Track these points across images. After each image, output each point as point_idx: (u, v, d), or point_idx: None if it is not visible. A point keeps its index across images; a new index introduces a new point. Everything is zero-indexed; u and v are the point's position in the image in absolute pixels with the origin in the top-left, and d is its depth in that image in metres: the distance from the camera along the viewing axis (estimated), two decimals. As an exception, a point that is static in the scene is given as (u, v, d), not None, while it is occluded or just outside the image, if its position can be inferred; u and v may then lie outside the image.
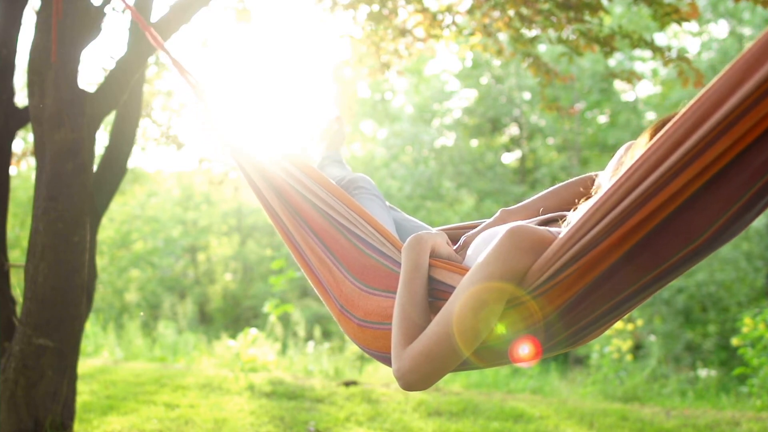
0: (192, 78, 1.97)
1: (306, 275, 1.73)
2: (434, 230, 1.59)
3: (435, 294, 1.43)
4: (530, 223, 1.46)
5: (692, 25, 14.06)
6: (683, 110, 1.12)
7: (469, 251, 1.50)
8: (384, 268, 1.59)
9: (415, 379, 1.30)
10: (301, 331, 7.11)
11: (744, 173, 1.10)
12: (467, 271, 1.36)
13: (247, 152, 1.81)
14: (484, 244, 1.44)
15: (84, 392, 4.33)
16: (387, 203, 1.92)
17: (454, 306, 1.28)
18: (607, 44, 4.04)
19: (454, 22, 4.40)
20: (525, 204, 1.73)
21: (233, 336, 7.15)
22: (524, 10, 4.05)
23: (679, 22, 3.82)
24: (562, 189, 1.72)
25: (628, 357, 5.72)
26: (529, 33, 4.30)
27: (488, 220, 1.71)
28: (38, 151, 2.96)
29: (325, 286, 1.67)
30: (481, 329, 1.27)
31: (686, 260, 1.22)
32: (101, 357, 6.55)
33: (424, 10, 4.34)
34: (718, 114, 1.06)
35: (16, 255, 8.43)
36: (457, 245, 1.60)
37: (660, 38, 14.46)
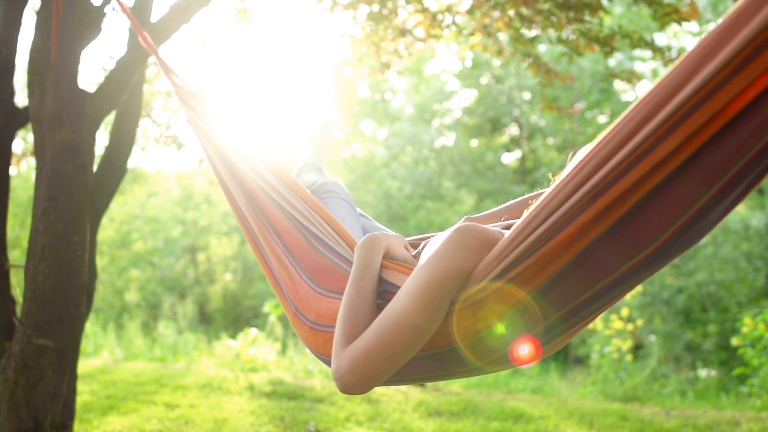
0: (178, 79, 1.95)
1: (266, 276, 1.70)
2: (395, 234, 1.53)
3: (385, 296, 1.38)
4: (489, 227, 1.40)
5: (692, 25, 14.07)
6: (634, 103, 1.06)
7: (423, 254, 1.45)
8: (339, 269, 1.54)
9: (352, 381, 1.23)
10: (301, 331, 7.09)
11: (700, 174, 1.03)
12: None
13: (220, 150, 1.79)
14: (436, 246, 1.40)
15: (84, 392, 4.33)
16: (358, 210, 1.89)
17: (397, 305, 1.22)
18: (607, 44, 4.05)
19: (454, 22, 4.40)
20: (492, 212, 1.70)
21: (233, 336, 7.16)
22: (524, 10, 4.05)
23: (679, 22, 3.83)
24: (530, 199, 1.67)
25: (628, 357, 5.72)
26: (529, 33, 4.30)
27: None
28: (38, 151, 2.96)
29: (282, 287, 1.63)
30: (424, 330, 1.21)
31: (642, 266, 1.15)
32: (101, 357, 6.55)
33: (424, 10, 4.34)
34: (669, 107, 1.01)
35: (16, 255, 8.43)
36: (416, 251, 1.55)
37: (660, 38, 14.47)
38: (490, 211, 1.70)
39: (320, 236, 1.60)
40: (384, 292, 1.38)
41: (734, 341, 5.31)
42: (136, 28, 2.10)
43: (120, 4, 2.14)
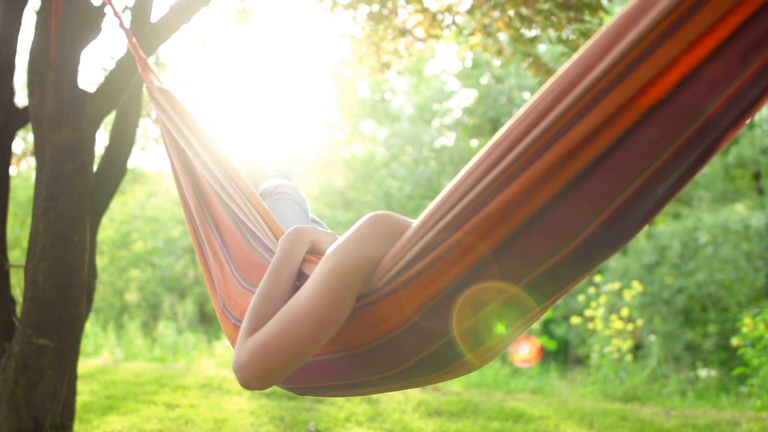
0: (156, 79, 1.95)
1: (203, 272, 1.66)
2: (328, 231, 1.45)
3: None
4: (403, 217, 1.30)
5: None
6: (551, 80, 0.95)
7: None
8: (267, 264, 1.46)
9: (251, 374, 1.13)
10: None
11: (626, 161, 0.93)
12: None
13: (178, 146, 1.78)
14: None
15: (84, 392, 4.33)
16: (311, 216, 1.84)
17: (301, 295, 1.14)
18: (607, 44, 4.04)
19: (454, 22, 4.40)
20: None
21: (233, 336, 7.14)
22: (524, 10, 4.05)
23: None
24: None
25: (628, 357, 5.72)
26: (529, 33, 4.30)
27: None
28: (38, 151, 2.96)
29: (215, 283, 1.58)
30: (328, 321, 1.12)
31: (566, 262, 1.03)
32: (101, 357, 6.55)
33: (424, 10, 4.34)
34: (584, 83, 0.91)
35: (16, 255, 8.43)
36: None
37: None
38: None
39: (254, 230, 1.53)
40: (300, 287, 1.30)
41: (734, 341, 5.31)
42: (122, 27, 2.10)
43: (111, 4, 2.13)
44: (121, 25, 2.08)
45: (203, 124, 1.73)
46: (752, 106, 0.92)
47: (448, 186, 1.06)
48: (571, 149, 0.93)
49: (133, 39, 2.03)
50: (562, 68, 0.95)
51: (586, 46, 0.93)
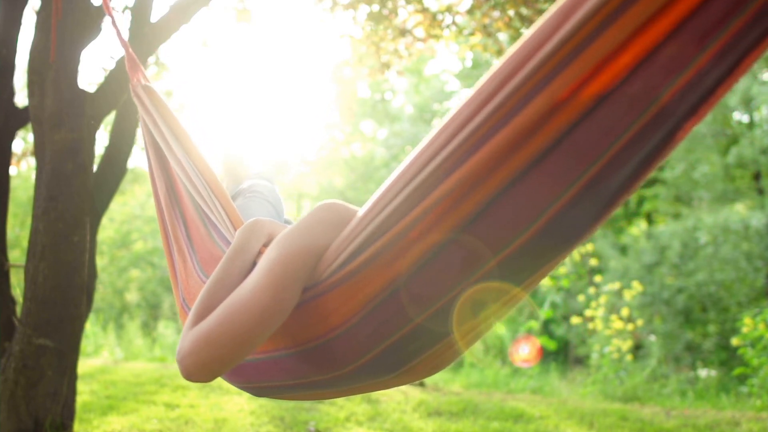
0: (143, 78, 1.94)
1: (168, 266, 1.63)
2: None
3: None
4: (352, 206, 1.25)
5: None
6: (497, 64, 0.91)
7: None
8: None
9: (192, 364, 1.07)
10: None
11: (572, 153, 0.87)
12: None
13: (155, 142, 1.76)
14: None
15: (84, 392, 4.33)
16: (285, 218, 1.81)
17: (246, 284, 1.10)
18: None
19: (454, 22, 4.40)
20: None
21: (233, 336, 7.15)
22: (524, 10, 4.05)
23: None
24: None
25: (628, 357, 5.72)
26: (529, 33, 4.31)
27: None
28: (38, 151, 2.97)
29: (178, 278, 1.54)
30: (272, 311, 1.07)
31: (516, 256, 0.97)
32: (101, 357, 6.56)
33: (424, 10, 4.34)
34: (532, 63, 0.85)
35: (16, 255, 8.43)
36: None
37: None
38: None
39: (217, 224, 1.49)
40: None
41: (734, 341, 5.32)
42: (113, 25, 2.10)
43: (107, 6, 2.13)
44: (113, 22, 2.08)
45: (183, 122, 1.72)
46: (711, 94, 0.86)
47: (395, 171, 1.01)
48: (516, 138, 0.88)
49: (123, 36, 2.03)
50: (509, 51, 0.88)
51: (535, 26, 0.86)
